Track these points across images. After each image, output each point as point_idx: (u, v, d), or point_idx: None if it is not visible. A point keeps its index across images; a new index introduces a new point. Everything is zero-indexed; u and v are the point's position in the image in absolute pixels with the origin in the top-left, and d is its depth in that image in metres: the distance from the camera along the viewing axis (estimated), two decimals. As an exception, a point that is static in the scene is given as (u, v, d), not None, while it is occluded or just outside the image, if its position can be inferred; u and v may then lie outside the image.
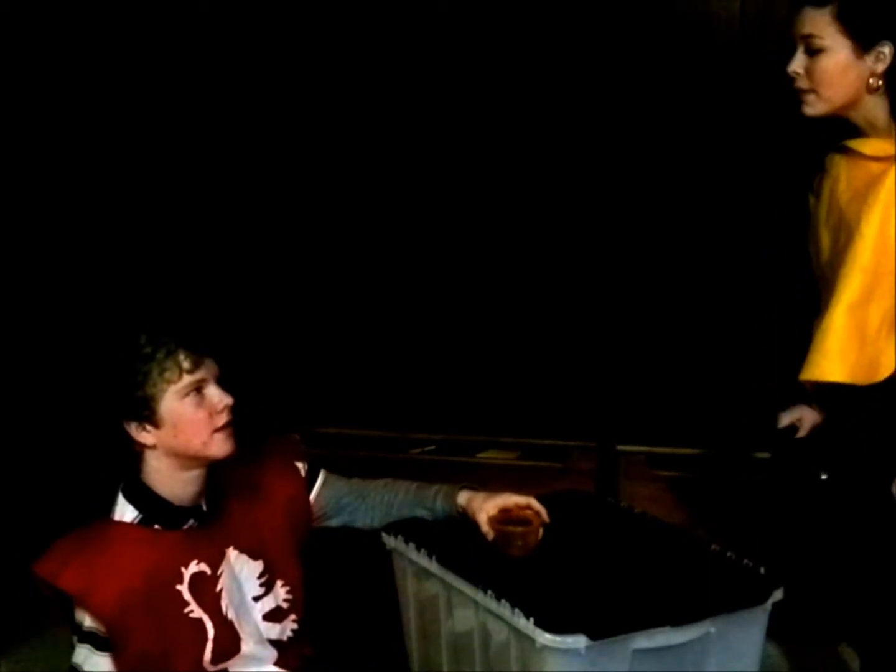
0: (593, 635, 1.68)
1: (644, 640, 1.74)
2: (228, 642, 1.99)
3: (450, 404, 3.37)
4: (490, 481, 2.19)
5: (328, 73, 3.42)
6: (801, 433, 2.38)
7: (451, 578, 1.91)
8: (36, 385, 3.29)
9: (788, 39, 2.16)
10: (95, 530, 1.97)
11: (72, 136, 3.44)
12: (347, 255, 3.51)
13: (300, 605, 2.09)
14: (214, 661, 1.97)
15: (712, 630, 1.79)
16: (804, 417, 2.39)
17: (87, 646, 1.93)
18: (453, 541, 2.01)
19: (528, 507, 2.04)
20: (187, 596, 1.96)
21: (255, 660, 2.02)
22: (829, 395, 2.26)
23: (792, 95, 2.19)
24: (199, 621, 1.97)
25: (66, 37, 3.41)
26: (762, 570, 1.89)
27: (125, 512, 1.97)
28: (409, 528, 2.08)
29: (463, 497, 2.07)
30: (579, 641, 1.68)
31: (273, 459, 2.16)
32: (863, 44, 2.08)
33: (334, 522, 2.18)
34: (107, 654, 1.92)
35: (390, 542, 2.09)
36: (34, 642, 2.84)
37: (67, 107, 3.43)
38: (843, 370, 2.14)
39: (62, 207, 3.45)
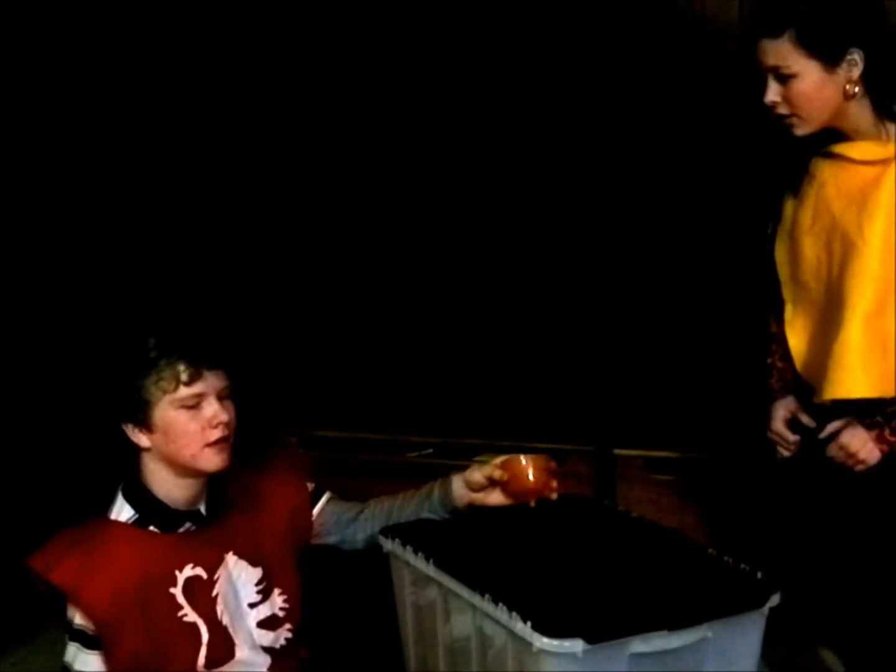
0: (590, 639, 1.68)
1: (641, 644, 1.73)
2: (223, 648, 1.99)
3: (447, 408, 3.37)
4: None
5: (328, 75, 3.42)
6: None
7: (448, 582, 1.91)
8: (40, 381, 3.30)
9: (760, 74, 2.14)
10: (90, 528, 1.98)
11: (83, 140, 3.45)
12: (344, 258, 3.51)
13: (297, 614, 2.09)
14: (208, 665, 1.98)
15: (709, 634, 1.79)
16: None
17: (77, 644, 1.94)
18: (451, 544, 2.01)
19: None
20: (181, 599, 1.96)
21: (250, 666, 2.02)
22: (835, 410, 2.23)
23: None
24: (194, 625, 1.97)
25: (66, 37, 3.42)
26: (759, 575, 1.89)
27: (122, 511, 1.98)
28: (407, 532, 2.07)
29: (460, 475, 2.07)
30: (576, 645, 1.67)
31: (280, 469, 2.16)
32: (831, 60, 2.05)
33: (332, 539, 2.18)
34: (96, 652, 1.93)
35: (387, 545, 2.09)
36: (31, 644, 2.85)
37: (74, 110, 3.44)
38: (869, 385, 2.10)
39: (75, 209, 3.48)
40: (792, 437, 2.33)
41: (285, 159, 3.49)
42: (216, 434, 1.92)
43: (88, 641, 1.93)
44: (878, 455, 2.14)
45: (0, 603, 2.85)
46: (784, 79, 2.08)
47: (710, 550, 1.99)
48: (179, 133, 3.48)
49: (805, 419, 2.30)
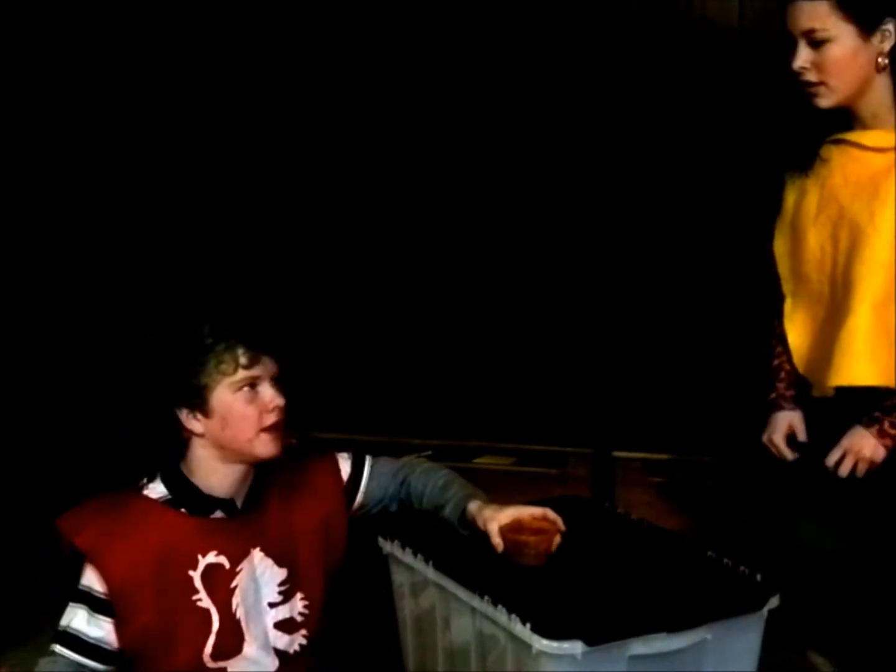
0: (590, 641, 1.68)
1: (640, 646, 1.74)
2: (232, 640, 2.00)
3: (446, 410, 3.37)
4: (486, 487, 2.19)
5: (332, 75, 3.42)
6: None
7: (447, 584, 1.91)
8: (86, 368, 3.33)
9: (786, 40, 2.13)
10: (121, 498, 2.00)
11: (126, 135, 3.50)
12: (344, 258, 3.51)
13: (315, 622, 2.09)
14: (215, 656, 1.98)
15: (708, 636, 1.79)
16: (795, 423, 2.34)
17: (79, 605, 1.95)
18: (450, 546, 2.01)
19: (544, 517, 1.99)
20: (198, 583, 1.97)
21: (257, 664, 2.02)
22: (837, 403, 2.23)
23: (791, 96, 2.17)
24: (206, 612, 1.98)
25: (66, 37, 3.43)
26: (758, 577, 1.89)
27: (156, 489, 2.00)
28: (406, 533, 2.08)
29: (473, 507, 2.02)
30: (576, 647, 1.68)
31: (318, 472, 2.17)
32: (867, 26, 2.06)
33: (393, 508, 2.19)
34: (99, 616, 1.94)
35: (387, 546, 2.09)
36: (30, 646, 2.84)
37: (125, 109, 3.47)
38: (875, 373, 2.09)
39: (136, 198, 3.52)
40: (790, 455, 2.30)
41: (281, 160, 3.49)
42: (272, 418, 1.97)
43: (93, 604, 1.94)
44: (884, 451, 2.12)
45: (0, 604, 2.85)
46: (817, 43, 2.07)
47: (709, 552, 2.00)
48: (208, 132, 3.50)
49: (801, 437, 2.28)
